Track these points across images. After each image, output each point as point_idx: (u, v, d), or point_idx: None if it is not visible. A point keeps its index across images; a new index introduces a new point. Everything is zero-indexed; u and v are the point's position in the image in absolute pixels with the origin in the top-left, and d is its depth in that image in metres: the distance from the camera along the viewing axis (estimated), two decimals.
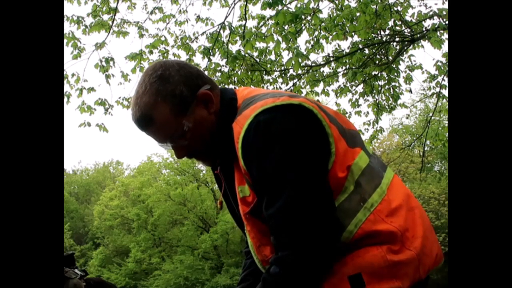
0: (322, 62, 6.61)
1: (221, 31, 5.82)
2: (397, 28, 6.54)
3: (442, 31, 5.52)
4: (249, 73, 5.82)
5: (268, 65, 6.12)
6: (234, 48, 5.82)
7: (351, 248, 1.21)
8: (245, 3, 5.78)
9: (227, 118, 1.32)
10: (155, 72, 1.32)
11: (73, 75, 6.07)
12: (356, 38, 6.42)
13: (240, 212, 1.35)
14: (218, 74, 5.87)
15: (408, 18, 6.30)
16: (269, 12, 5.67)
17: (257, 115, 1.21)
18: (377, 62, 6.77)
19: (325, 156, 1.22)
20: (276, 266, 1.19)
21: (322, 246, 1.16)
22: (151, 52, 5.97)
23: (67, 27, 5.84)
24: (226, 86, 5.76)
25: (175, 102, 1.29)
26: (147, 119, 1.30)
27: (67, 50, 6.22)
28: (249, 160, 1.22)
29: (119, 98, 6.33)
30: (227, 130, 1.29)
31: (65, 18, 5.78)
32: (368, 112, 7.43)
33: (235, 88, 1.48)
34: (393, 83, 7.00)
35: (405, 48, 6.65)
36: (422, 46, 6.66)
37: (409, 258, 1.20)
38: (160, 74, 1.31)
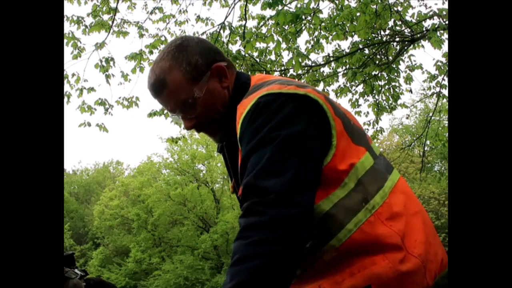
0: (322, 62, 6.61)
1: (221, 31, 5.82)
2: (397, 28, 6.54)
3: (442, 31, 5.52)
4: (249, 73, 5.82)
5: (268, 65, 6.12)
6: (234, 48, 5.83)
7: (350, 254, 1.18)
8: (245, 3, 5.78)
9: (236, 99, 1.34)
10: (175, 42, 1.37)
11: (73, 75, 6.09)
12: (356, 38, 6.43)
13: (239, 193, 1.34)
14: None
15: (408, 18, 6.31)
16: (269, 12, 5.68)
17: (260, 97, 1.22)
18: (377, 62, 6.77)
19: (323, 145, 1.20)
20: (248, 213, 1.11)
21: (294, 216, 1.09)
22: (151, 52, 5.97)
23: (67, 27, 5.85)
24: None
25: (189, 69, 1.33)
26: (161, 83, 1.34)
27: (67, 50, 6.23)
28: (243, 139, 1.21)
29: (119, 98, 6.35)
30: (234, 111, 1.30)
31: (65, 18, 5.79)
32: (368, 112, 7.45)
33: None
34: (393, 83, 7.01)
35: (405, 48, 6.66)
36: (422, 46, 6.67)
37: (415, 266, 1.18)
38: (179, 44, 1.36)
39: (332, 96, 6.98)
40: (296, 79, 5.89)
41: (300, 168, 1.13)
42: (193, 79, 1.33)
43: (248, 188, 1.13)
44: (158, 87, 1.35)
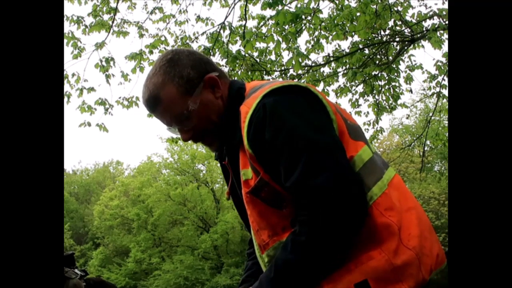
0: (322, 62, 6.61)
1: (221, 31, 5.82)
2: (397, 28, 6.54)
3: (442, 31, 5.53)
4: (249, 73, 5.82)
5: (268, 65, 6.11)
6: (234, 48, 5.82)
7: (350, 251, 1.20)
8: (245, 3, 5.78)
9: (234, 104, 1.36)
10: (166, 57, 1.39)
11: (73, 75, 6.08)
12: (356, 38, 6.43)
13: (243, 194, 1.35)
14: None
15: (408, 18, 6.31)
16: (269, 12, 5.68)
17: (265, 95, 1.25)
18: (377, 62, 6.77)
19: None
20: (303, 226, 1.18)
21: (351, 199, 1.16)
22: (151, 52, 5.98)
23: (67, 27, 5.85)
24: None
25: (182, 83, 1.35)
26: (155, 98, 1.36)
27: (67, 50, 6.23)
28: (256, 138, 1.24)
29: (119, 98, 6.34)
30: (233, 115, 1.32)
31: (65, 18, 5.79)
32: (368, 112, 7.45)
33: None
34: (393, 83, 7.01)
35: (405, 48, 6.66)
36: (422, 46, 6.68)
37: (409, 258, 1.20)
38: (170, 58, 1.38)
39: (332, 96, 6.99)
40: (296, 79, 5.84)
41: (337, 156, 1.19)
42: (186, 92, 1.35)
43: (302, 189, 1.17)
44: (153, 103, 1.37)
